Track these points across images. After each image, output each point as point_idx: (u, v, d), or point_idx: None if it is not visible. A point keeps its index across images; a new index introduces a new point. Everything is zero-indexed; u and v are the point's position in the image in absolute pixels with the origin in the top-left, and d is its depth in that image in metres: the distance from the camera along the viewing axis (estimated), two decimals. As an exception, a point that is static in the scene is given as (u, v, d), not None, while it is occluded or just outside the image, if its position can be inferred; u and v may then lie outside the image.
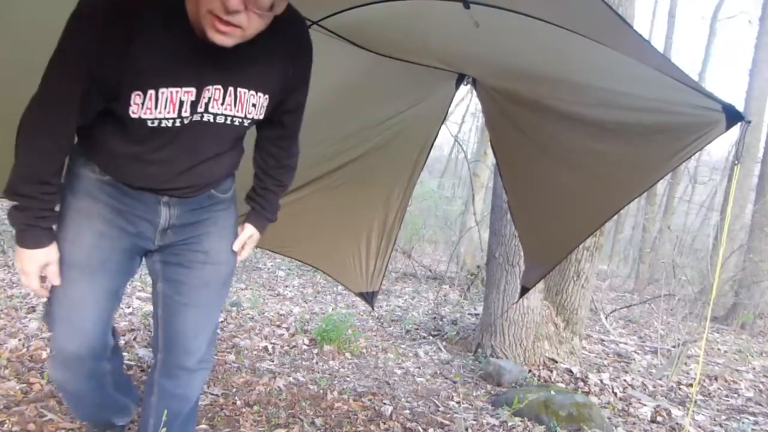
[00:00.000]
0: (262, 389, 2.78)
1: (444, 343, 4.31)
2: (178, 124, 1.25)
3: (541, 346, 3.88)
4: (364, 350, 3.82)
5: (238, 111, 1.31)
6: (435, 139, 2.85)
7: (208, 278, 1.52)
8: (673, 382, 3.92)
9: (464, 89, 2.63)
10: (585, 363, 4.09)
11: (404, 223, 3.48)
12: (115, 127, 1.27)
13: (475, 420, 2.85)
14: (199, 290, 1.51)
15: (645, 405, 3.36)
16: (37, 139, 1.23)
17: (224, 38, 1.13)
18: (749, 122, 1.74)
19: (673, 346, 4.72)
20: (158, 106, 1.21)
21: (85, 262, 1.37)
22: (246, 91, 1.30)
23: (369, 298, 3.32)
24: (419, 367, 3.69)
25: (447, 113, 2.78)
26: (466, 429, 2.72)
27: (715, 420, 3.34)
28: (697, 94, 1.71)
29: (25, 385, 2.36)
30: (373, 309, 3.46)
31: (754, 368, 4.89)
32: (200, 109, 1.26)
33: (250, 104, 1.32)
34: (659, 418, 3.20)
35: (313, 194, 2.79)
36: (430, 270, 7.53)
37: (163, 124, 1.24)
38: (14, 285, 3.89)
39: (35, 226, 1.28)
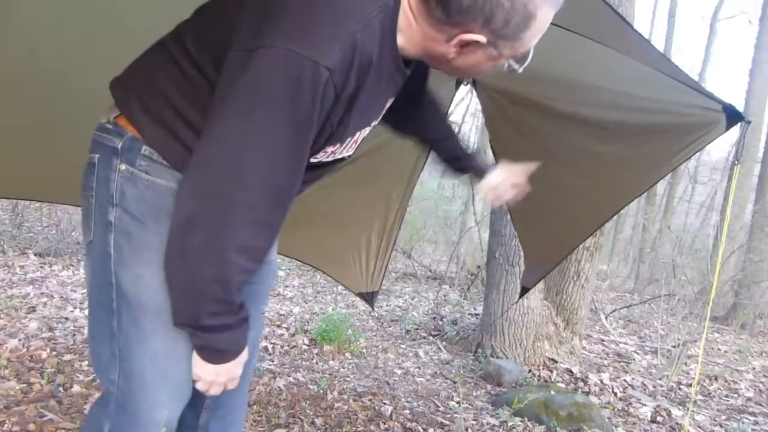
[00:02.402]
0: (262, 389, 2.77)
1: (444, 343, 4.31)
2: (348, 157, 1.13)
3: (541, 346, 3.88)
4: (364, 350, 3.81)
5: (378, 120, 1.18)
6: (435, 139, 2.85)
7: (271, 285, 1.42)
8: (673, 382, 3.92)
9: (464, 89, 2.63)
10: (585, 363, 4.09)
11: (404, 223, 3.48)
12: None
13: (475, 420, 2.85)
14: (262, 303, 1.38)
15: (645, 405, 3.36)
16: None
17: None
18: (749, 122, 1.74)
19: (673, 346, 4.72)
20: (344, 149, 1.08)
21: None
22: (391, 99, 1.13)
23: (369, 298, 3.32)
24: (419, 367, 3.69)
25: (447, 113, 2.78)
26: (466, 429, 2.72)
27: (715, 420, 3.34)
28: (697, 94, 1.71)
29: (25, 385, 2.36)
30: (373, 309, 3.45)
31: (754, 368, 4.89)
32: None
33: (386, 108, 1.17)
34: (659, 418, 3.20)
35: (313, 194, 2.78)
36: (430, 270, 7.53)
37: (336, 159, 1.11)
38: (14, 285, 3.90)
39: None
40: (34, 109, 2.02)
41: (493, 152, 2.76)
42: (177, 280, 0.94)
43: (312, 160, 1.01)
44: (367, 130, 1.10)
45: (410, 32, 0.95)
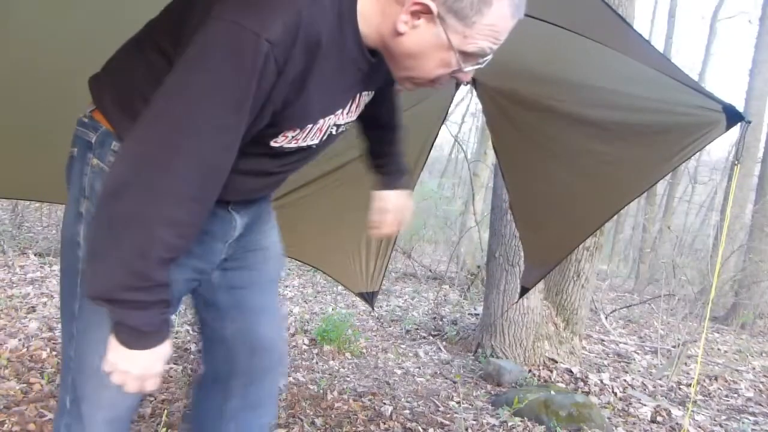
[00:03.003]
0: (262, 389, 2.77)
1: (444, 343, 4.31)
2: (315, 146, 1.10)
3: (541, 346, 3.88)
4: (364, 350, 3.81)
5: (355, 116, 1.15)
6: (435, 139, 2.85)
7: (273, 274, 1.37)
8: (673, 382, 3.92)
9: (464, 89, 2.63)
10: (585, 363, 4.09)
11: (404, 223, 3.48)
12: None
13: (475, 420, 2.85)
14: (268, 291, 1.36)
15: (645, 405, 3.36)
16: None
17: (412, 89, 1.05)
18: (749, 122, 1.74)
19: (673, 346, 4.72)
20: (307, 137, 1.05)
21: None
22: (367, 93, 1.13)
23: (369, 298, 3.32)
24: (419, 367, 3.69)
25: (447, 113, 2.78)
26: (466, 429, 2.72)
27: (715, 420, 3.34)
28: (697, 94, 1.71)
29: (25, 385, 2.36)
30: (373, 309, 3.46)
31: (754, 368, 4.89)
32: (336, 126, 1.11)
33: (363, 105, 1.15)
34: (659, 418, 3.20)
35: (313, 194, 2.79)
36: (430, 270, 7.53)
37: (300, 148, 1.08)
38: (14, 285, 3.89)
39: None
40: (34, 109, 2.02)
41: (495, 152, 2.76)
42: (97, 249, 0.91)
43: (272, 143, 1.01)
44: (332, 120, 1.06)
45: (369, 12, 0.94)
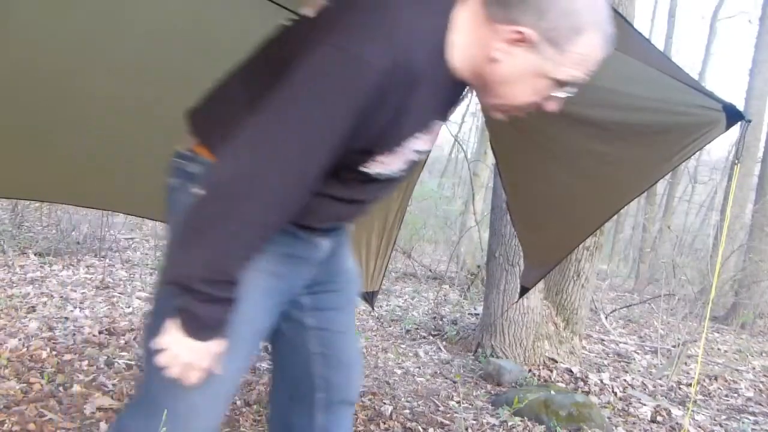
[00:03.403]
0: (262, 389, 2.77)
1: (444, 343, 4.31)
2: (398, 175, 1.12)
3: (541, 346, 3.88)
4: (364, 350, 3.81)
5: (431, 145, 1.18)
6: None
7: (353, 295, 1.41)
8: (673, 382, 3.92)
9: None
10: (585, 363, 4.09)
11: (404, 223, 3.48)
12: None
13: (475, 420, 2.85)
14: (349, 313, 1.41)
15: (645, 405, 3.36)
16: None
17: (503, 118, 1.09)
18: (749, 122, 1.74)
19: (673, 346, 4.72)
20: (394, 164, 1.07)
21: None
22: (442, 124, 1.16)
23: (369, 297, 3.32)
24: (419, 367, 3.69)
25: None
26: (466, 429, 2.72)
27: (715, 420, 3.34)
28: (697, 93, 1.71)
29: (25, 385, 2.36)
30: (373, 309, 3.45)
31: (754, 368, 4.89)
32: (418, 153, 1.13)
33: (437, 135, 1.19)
34: (659, 418, 3.20)
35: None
36: (430, 270, 7.53)
37: (387, 176, 1.10)
38: (14, 285, 3.89)
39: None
40: (34, 109, 2.02)
41: (494, 152, 2.76)
42: (185, 238, 0.95)
43: (363, 169, 1.05)
44: (417, 146, 1.08)
45: (463, 43, 0.98)
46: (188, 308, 0.96)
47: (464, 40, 0.98)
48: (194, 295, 0.94)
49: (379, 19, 0.92)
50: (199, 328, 0.98)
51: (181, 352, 0.99)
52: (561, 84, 0.99)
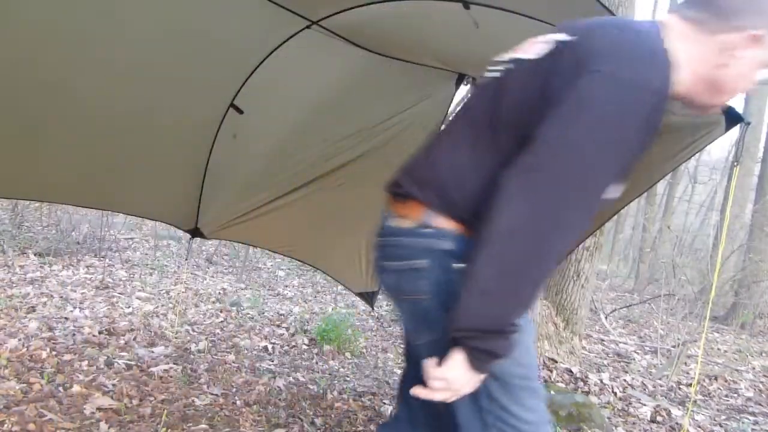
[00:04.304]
0: (262, 389, 2.77)
1: (444, 342, 4.31)
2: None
3: (541, 346, 3.88)
4: (364, 350, 3.81)
5: None
6: (435, 139, 2.85)
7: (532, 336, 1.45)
8: (673, 382, 3.92)
9: (464, 89, 2.63)
10: (585, 363, 4.09)
11: (404, 223, 3.49)
12: None
13: (474, 420, 2.85)
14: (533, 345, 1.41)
15: (645, 405, 3.36)
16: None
17: None
18: (748, 124, 1.74)
19: (673, 346, 4.72)
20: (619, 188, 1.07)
21: None
22: None
23: (369, 297, 3.32)
24: (419, 367, 3.69)
25: (447, 113, 2.78)
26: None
27: (714, 420, 3.34)
28: (697, 94, 1.71)
29: (25, 385, 2.36)
30: (373, 309, 3.46)
31: (753, 368, 4.89)
32: None
33: None
34: (659, 418, 3.20)
35: (313, 194, 2.80)
36: (430, 270, 7.52)
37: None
38: (14, 285, 3.89)
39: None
40: (34, 109, 2.02)
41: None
42: (488, 287, 0.94)
43: (606, 195, 1.02)
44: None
45: (688, 57, 1.02)
46: (492, 350, 0.97)
47: (688, 55, 1.02)
48: (503, 336, 0.96)
49: (640, 44, 0.97)
50: (490, 362, 1.00)
51: (458, 384, 1.01)
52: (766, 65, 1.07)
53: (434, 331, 1.06)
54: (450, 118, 1.17)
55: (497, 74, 1.11)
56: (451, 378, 1.00)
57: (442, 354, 1.03)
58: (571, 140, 0.91)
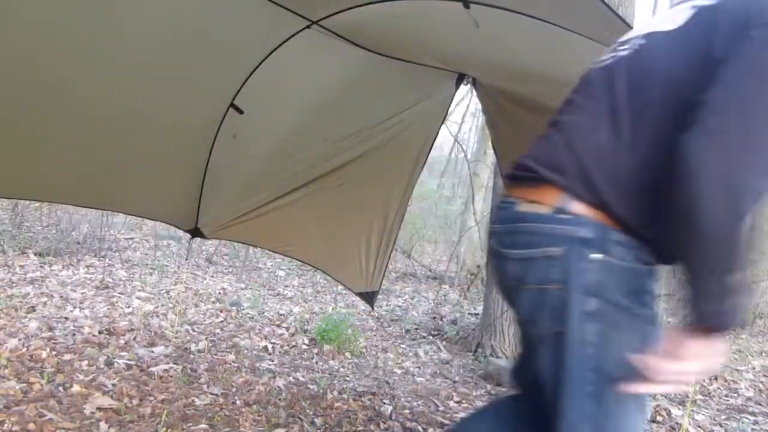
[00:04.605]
0: (262, 389, 2.77)
1: (444, 342, 4.31)
2: None
3: (540, 346, 3.88)
4: (364, 350, 3.81)
5: None
6: (435, 139, 2.86)
7: None
8: (672, 382, 3.92)
9: (464, 89, 2.63)
10: (585, 363, 4.08)
11: (404, 223, 3.48)
12: None
13: (474, 420, 2.85)
14: None
15: (645, 405, 3.35)
16: None
17: None
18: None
19: (673, 346, 4.71)
20: None
21: None
22: None
23: (369, 297, 3.33)
24: (419, 367, 3.69)
25: (447, 113, 2.78)
26: (466, 429, 2.72)
27: (714, 419, 3.34)
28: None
29: (25, 385, 2.36)
30: (372, 309, 3.46)
31: (753, 368, 4.89)
32: None
33: None
34: (659, 418, 3.20)
35: (314, 194, 2.80)
36: (430, 270, 7.53)
37: None
38: (14, 285, 3.89)
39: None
40: (34, 109, 2.02)
41: (494, 152, 2.77)
42: (718, 229, 0.94)
43: None
44: None
45: None
46: (723, 310, 0.96)
47: None
48: (738, 294, 0.96)
49: None
50: (728, 324, 0.97)
51: (702, 361, 0.97)
52: None
53: (558, 322, 1.01)
54: (571, 101, 1.13)
55: (625, 53, 1.09)
56: (696, 354, 0.97)
57: (561, 345, 1.00)
58: (753, 94, 0.91)
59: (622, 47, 1.12)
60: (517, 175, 1.12)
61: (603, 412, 1.01)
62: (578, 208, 1.01)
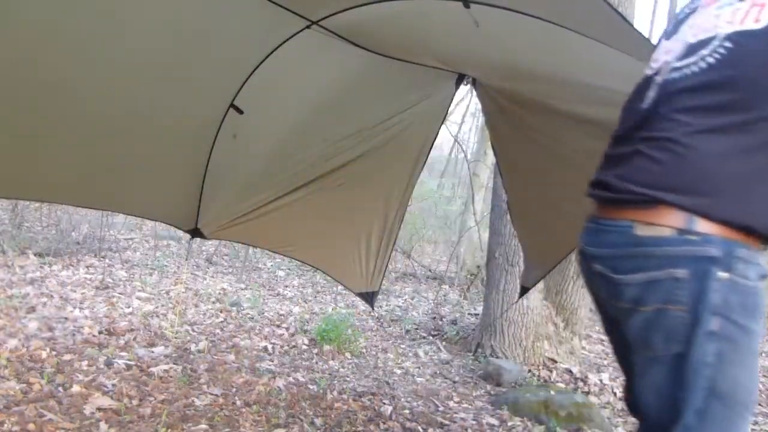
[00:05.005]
0: (262, 389, 2.77)
1: (444, 343, 4.31)
2: None
3: (540, 346, 3.88)
4: (364, 350, 3.81)
5: None
6: (435, 139, 2.85)
7: None
8: (672, 382, 3.92)
9: (464, 89, 2.63)
10: (585, 363, 4.09)
11: (404, 223, 3.48)
12: None
13: (475, 420, 2.85)
14: None
15: (645, 405, 3.35)
16: None
17: None
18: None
19: (673, 346, 4.71)
20: None
21: None
22: None
23: (369, 297, 3.32)
24: (419, 367, 3.69)
25: (447, 113, 2.78)
26: (466, 429, 2.72)
27: (714, 420, 3.34)
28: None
29: (25, 385, 2.36)
30: (372, 309, 3.46)
31: (753, 368, 4.89)
32: None
33: None
34: (659, 418, 3.20)
35: (313, 194, 2.79)
36: (430, 270, 7.52)
37: None
38: (14, 285, 3.89)
39: None
40: (34, 109, 2.02)
41: (494, 152, 2.76)
42: None
43: None
44: None
45: None
46: None
47: None
48: None
49: None
50: None
51: None
52: None
53: (675, 342, 1.01)
54: (658, 114, 1.08)
55: (712, 59, 1.04)
56: None
57: (680, 366, 0.99)
58: None
59: (705, 53, 1.06)
60: (620, 198, 1.09)
61: (710, 429, 1.00)
62: (704, 226, 1.00)
